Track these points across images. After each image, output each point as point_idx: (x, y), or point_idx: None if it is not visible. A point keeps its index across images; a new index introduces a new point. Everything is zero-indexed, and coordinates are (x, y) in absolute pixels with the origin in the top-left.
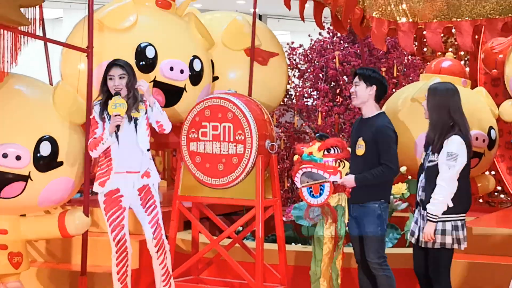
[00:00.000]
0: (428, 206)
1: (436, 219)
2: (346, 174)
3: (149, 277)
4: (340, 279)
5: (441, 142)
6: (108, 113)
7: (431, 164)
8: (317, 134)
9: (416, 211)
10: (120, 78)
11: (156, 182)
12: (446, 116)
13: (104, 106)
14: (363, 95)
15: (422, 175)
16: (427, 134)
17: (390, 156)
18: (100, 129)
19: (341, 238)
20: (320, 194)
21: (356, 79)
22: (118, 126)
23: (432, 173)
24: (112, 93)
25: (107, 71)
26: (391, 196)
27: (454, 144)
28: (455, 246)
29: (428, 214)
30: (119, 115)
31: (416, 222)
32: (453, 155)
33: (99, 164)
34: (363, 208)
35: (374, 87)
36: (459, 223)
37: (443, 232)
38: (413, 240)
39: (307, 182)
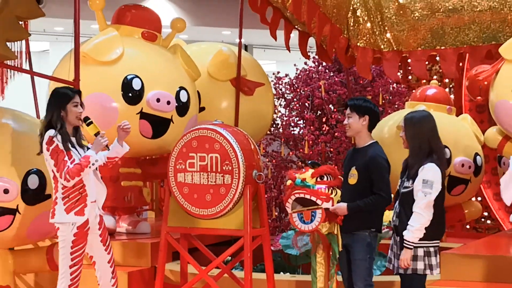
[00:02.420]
0: (404, 233)
1: (412, 246)
2: (338, 202)
3: None
4: None
5: (416, 169)
6: (69, 142)
7: (405, 190)
8: (309, 162)
9: (392, 237)
10: (81, 105)
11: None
12: (425, 144)
13: (66, 134)
14: (356, 126)
15: (397, 202)
16: (408, 161)
17: (382, 185)
18: (67, 157)
19: (332, 266)
20: (311, 221)
21: (348, 110)
22: (107, 146)
23: (407, 199)
24: (66, 120)
25: (69, 98)
26: None
27: (430, 172)
28: (427, 271)
29: (405, 241)
30: (104, 134)
31: (391, 249)
32: (428, 182)
33: (66, 195)
34: (354, 236)
35: (367, 117)
36: (431, 249)
37: (415, 258)
38: (390, 267)
39: (298, 208)
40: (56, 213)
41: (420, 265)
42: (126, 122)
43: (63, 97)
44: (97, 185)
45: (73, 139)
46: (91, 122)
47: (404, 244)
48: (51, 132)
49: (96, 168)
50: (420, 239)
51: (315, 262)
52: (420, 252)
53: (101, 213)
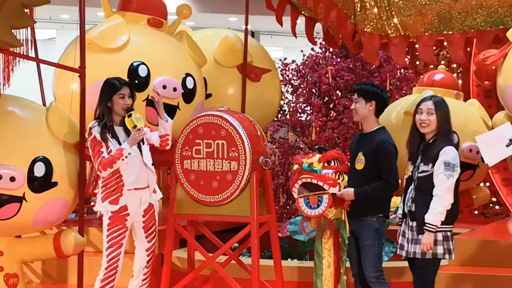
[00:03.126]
0: (426, 216)
1: (435, 229)
2: (344, 187)
3: None
4: None
5: (436, 152)
6: (110, 132)
7: (423, 174)
8: (316, 147)
9: (403, 223)
10: (129, 97)
11: (159, 198)
12: (450, 128)
13: (104, 126)
14: (363, 112)
15: (411, 187)
16: (422, 145)
17: (390, 171)
18: (104, 148)
19: (343, 252)
20: (318, 206)
21: (355, 95)
22: (137, 144)
23: (425, 183)
24: (112, 111)
25: (116, 90)
26: None
27: (451, 155)
28: (446, 256)
29: (427, 225)
30: (142, 128)
31: (403, 235)
32: (450, 165)
33: (105, 183)
34: (361, 222)
35: (374, 102)
36: (448, 233)
37: (435, 243)
38: (403, 253)
39: (304, 192)
40: (97, 201)
41: (440, 250)
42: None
43: (110, 88)
44: (147, 172)
45: (120, 129)
46: (130, 115)
47: (426, 228)
48: (91, 123)
49: (142, 154)
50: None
51: (320, 248)
52: (440, 236)
53: (155, 198)
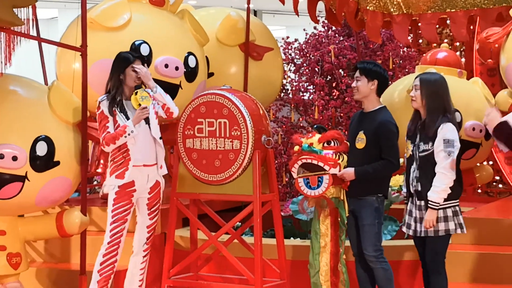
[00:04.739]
0: (429, 194)
1: (438, 206)
2: (344, 167)
3: (153, 272)
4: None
5: (434, 130)
6: (119, 107)
7: (424, 153)
8: (315, 126)
9: (409, 202)
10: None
11: (164, 173)
12: (441, 104)
13: (113, 100)
14: (364, 90)
15: (414, 166)
16: (421, 123)
17: (392, 151)
18: (111, 123)
19: (342, 232)
20: (318, 186)
21: (357, 73)
22: (145, 119)
23: (427, 161)
24: (124, 84)
25: (128, 62)
26: (389, 189)
27: (449, 131)
28: (458, 231)
29: (430, 202)
30: (146, 107)
31: (410, 214)
32: (450, 142)
33: (112, 158)
34: (361, 201)
35: (376, 81)
36: (457, 208)
37: (446, 219)
38: (410, 232)
39: (304, 173)
40: (107, 175)
41: (451, 225)
42: (141, 66)
43: (123, 61)
44: (155, 147)
45: (130, 103)
46: (137, 93)
47: (429, 205)
48: (101, 97)
49: (150, 128)
50: (447, 199)
51: (318, 227)
52: (449, 212)
53: (161, 173)
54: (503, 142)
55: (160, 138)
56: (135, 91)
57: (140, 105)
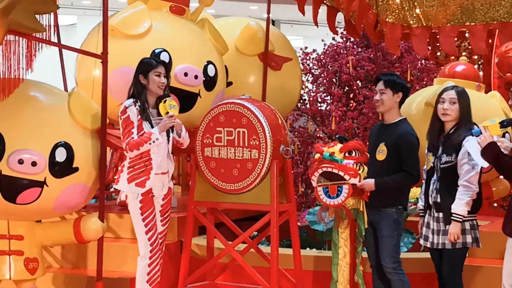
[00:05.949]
0: (453, 206)
1: (462, 219)
2: (364, 178)
3: (169, 280)
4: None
5: (458, 142)
6: (146, 114)
7: (447, 165)
8: (337, 136)
9: (427, 215)
10: (164, 77)
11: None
12: (470, 118)
13: (142, 108)
14: (390, 103)
15: (434, 178)
16: (445, 136)
17: (413, 163)
18: (136, 129)
19: (359, 243)
20: (337, 195)
21: (382, 86)
22: (171, 127)
23: (449, 174)
24: (147, 89)
25: (152, 67)
26: None
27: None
28: (474, 245)
29: (454, 215)
30: (174, 116)
31: (427, 226)
32: None
33: (132, 164)
34: (380, 212)
35: (400, 94)
36: (475, 222)
37: (463, 232)
38: (428, 245)
39: (323, 181)
40: (120, 180)
41: (469, 239)
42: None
43: (146, 66)
44: (165, 157)
45: (154, 111)
46: (166, 101)
47: (453, 218)
48: (127, 102)
49: (169, 141)
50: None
51: (337, 237)
52: (467, 225)
53: (171, 184)
54: (491, 162)
55: (172, 153)
56: (164, 99)
57: (167, 113)
